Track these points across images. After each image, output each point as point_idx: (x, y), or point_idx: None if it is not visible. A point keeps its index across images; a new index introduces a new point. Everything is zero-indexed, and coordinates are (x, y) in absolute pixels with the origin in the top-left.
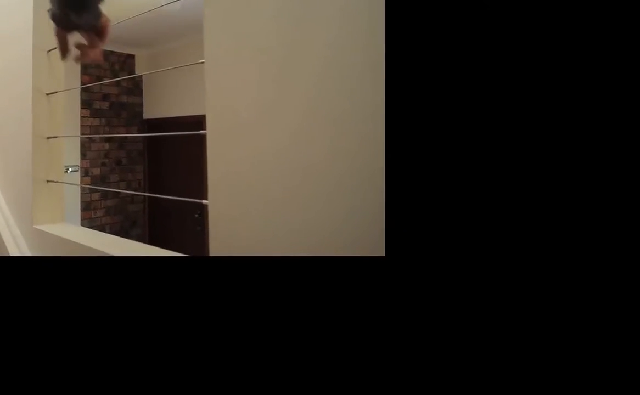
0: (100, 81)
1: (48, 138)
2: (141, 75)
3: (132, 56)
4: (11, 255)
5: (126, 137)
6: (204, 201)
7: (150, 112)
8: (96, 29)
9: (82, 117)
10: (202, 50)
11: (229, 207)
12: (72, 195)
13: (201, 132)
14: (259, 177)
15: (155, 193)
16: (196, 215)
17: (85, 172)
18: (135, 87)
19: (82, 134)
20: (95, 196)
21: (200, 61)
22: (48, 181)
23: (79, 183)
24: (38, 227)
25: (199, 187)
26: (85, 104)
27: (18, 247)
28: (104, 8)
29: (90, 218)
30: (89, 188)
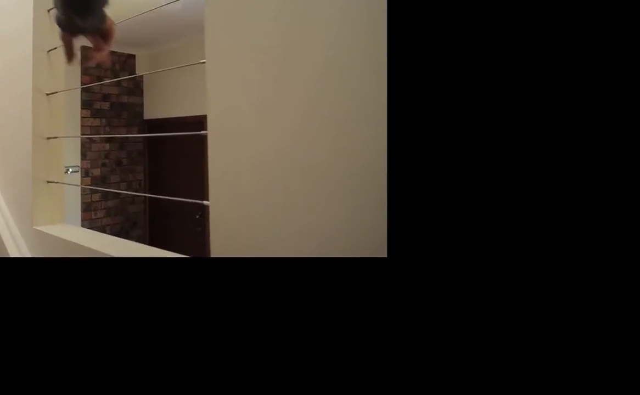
0: (100, 81)
1: (48, 138)
2: (142, 76)
3: (133, 56)
4: (11, 256)
5: (127, 137)
6: (204, 202)
7: (151, 112)
8: (101, 32)
9: (82, 117)
10: (202, 50)
11: (230, 208)
12: (72, 196)
13: (202, 132)
14: (260, 177)
15: (156, 194)
16: (197, 216)
17: (85, 173)
18: (136, 87)
19: (82, 134)
20: (96, 197)
21: (202, 61)
22: (48, 182)
23: (79, 184)
24: (38, 227)
25: (200, 187)
26: (85, 104)
27: (18, 248)
28: (108, 11)
29: (91, 219)
30: (89, 189)
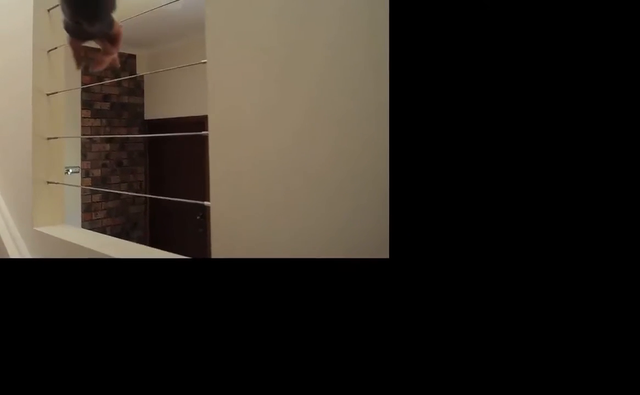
0: (101, 81)
1: (48, 139)
2: (142, 76)
3: (133, 56)
4: (11, 257)
5: (127, 137)
6: (205, 202)
7: (152, 112)
8: (109, 37)
9: (82, 117)
10: (203, 50)
11: (231, 209)
12: (72, 196)
13: (203, 132)
14: (261, 178)
15: (157, 194)
16: (198, 217)
17: (85, 173)
18: (137, 87)
19: (82, 134)
20: (96, 197)
21: (202, 61)
22: (48, 182)
23: (80, 184)
24: (38, 228)
25: (201, 188)
26: (86, 104)
27: (18, 249)
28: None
29: (91, 220)
30: (90, 189)
